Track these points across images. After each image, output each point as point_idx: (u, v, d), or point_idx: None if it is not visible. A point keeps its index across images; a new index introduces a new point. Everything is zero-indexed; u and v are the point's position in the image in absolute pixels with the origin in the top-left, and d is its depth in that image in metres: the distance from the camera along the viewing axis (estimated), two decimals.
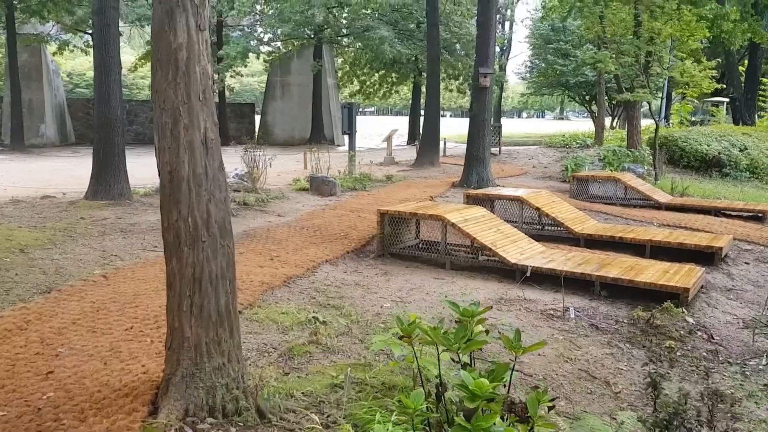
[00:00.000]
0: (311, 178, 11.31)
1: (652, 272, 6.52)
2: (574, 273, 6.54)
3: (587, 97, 33.51)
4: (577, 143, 21.59)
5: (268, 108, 30.71)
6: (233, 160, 14.44)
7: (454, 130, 42.68)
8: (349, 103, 14.19)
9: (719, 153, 16.07)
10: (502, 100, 43.04)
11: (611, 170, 14.42)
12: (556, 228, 9.06)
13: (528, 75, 36.03)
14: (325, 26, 24.26)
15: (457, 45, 26.29)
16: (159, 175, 2.99)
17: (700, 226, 10.34)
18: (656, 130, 14.04)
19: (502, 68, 34.94)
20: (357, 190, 11.73)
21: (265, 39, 25.20)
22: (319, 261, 6.89)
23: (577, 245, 8.69)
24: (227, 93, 30.85)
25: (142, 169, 13.14)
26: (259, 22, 24.58)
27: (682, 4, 12.76)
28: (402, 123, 60.87)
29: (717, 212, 11.53)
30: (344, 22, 24.25)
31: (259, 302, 5.23)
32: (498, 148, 20.59)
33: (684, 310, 6.02)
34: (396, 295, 6.08)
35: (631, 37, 15.03)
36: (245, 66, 28.37)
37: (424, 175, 14.98)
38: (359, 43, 26.50)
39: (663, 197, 12.22)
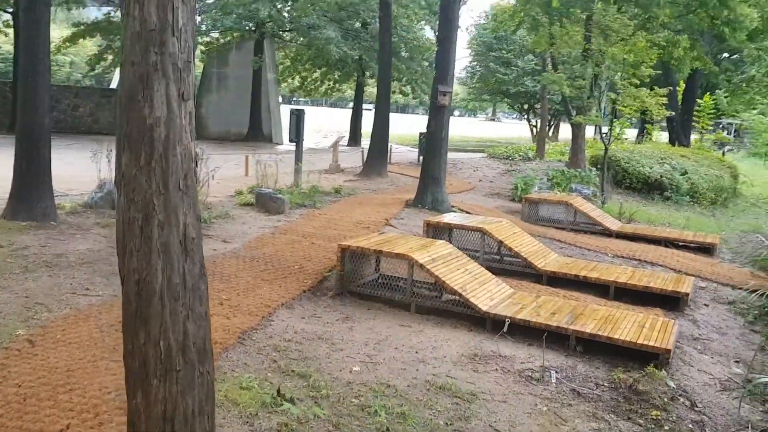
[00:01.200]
0: (258, 195, 10.59)
1: (627, 327, 6.22)
2: (549, 326, 6.16)
3: (525, 106, 33.75)
4: (520, 156, 21.54)
5: (203, 100, 29.38)
6: None
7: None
8: (297, 109, 13.48)
9: (661, 176, 16.23)
10: None
11: (559, 191, 14.29)
12: (516, 261, 8.72)
13: (468, 80, 35.99)
14: (268, 20, 23.31)
15: (403, 49, 25.85)
16: (122, 283, 2.35)
17: (654, 259, 10.25)
18: (605, 152, 13.99)
19: None
20: (306, 206, 11.08)
21: (204, 29, 23.98)
22: (274, 305, 6.26)
23: (539, 282, 8.38)
24: None
25: (64, 168, 12.09)
26: (198, 13, 23.35)
27: (636, 30, 12.69)
28: (336, 116, 60.18)
29: (667, 243, 11.51)
30: (287, 16, 23.37)
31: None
32: None
33: (664, 371, 5.74)
34: (363, 353, 5.53)
35: (582, 58, 14.95)
36: None
37: (374, 188, 14.45)
38: (302, 39, 25.65)
39: (613, 224, 12.13)
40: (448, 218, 9.24)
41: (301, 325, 6.02)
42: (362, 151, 19.52)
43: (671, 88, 14.02)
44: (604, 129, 14.48)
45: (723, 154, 23.20)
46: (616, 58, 12.13)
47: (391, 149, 19.44)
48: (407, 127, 47.26)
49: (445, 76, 11.17)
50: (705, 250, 11.39)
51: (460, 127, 52.22)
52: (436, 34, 11.33)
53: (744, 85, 16.02)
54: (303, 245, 8.42)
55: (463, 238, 9.28)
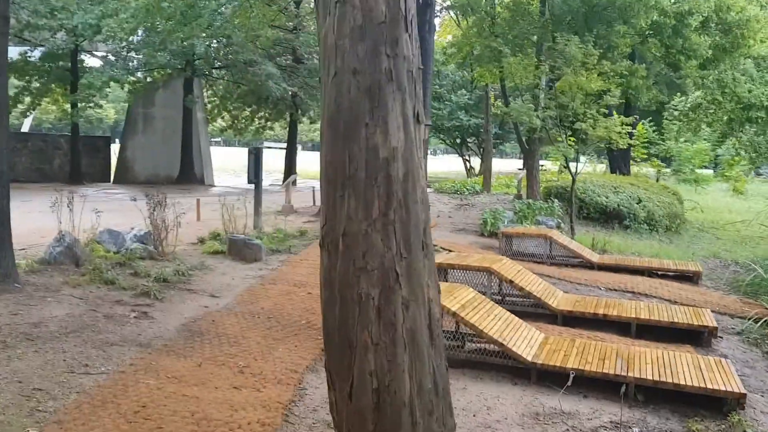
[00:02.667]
0: (231, 242, 9.65)
1: (686, 370, 5.75)
2: (606, 374, 5.61)
3: (458, 141, 33.93)
4: (468, 190, 21.35)
5: (128, 143, 27.87)
6: (108, 208, 12.34)
7: (311, 165, 41.64)
8: (255, 147, 12.63)
9: (618, 205, 16.29)
10: None
11: (527, 224, 14.01)
12: (525, 301, 8.20)
13: None
14: (199, 57, 22.34)
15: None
16: (331, 384, 1.58)
17: (646, 290, 10.00)
18: (573, 183, 13.86)
19: None
20: (282, 252, 10.21)
21: (133, 67, 22.70)
22: (298, 369, 5.43)
23: (554, 322, 7.88)
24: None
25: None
26: (127, 49, 22.09)
27: (599, 59, 12.70)
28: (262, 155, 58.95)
29: (650, 273, 11.34)
30: (221, 54, 22.45)
31: None
32: None
33: (740, 417, 5.29)
34: None
35: (538, 88, 14.90)
36: (106, 96, 25.58)
37: None
38: (235, 76, 24.76)
39: (592, 256, 11.88)
40: (448, 258, 8.64)
41: None
42: (313, 190, 18.77)
43: (636, 117, 14.12)
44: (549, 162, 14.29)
45: (657, 180, 23.87)
46: (583, 88, 12.03)
47: (314, 191, 18.80)
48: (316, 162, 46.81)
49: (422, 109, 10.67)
50: (687, 278, 11.28)
51: None
52: None
53: (691, 113, 16.47)
54: (300, 296, 7.59)
55: (465, 278, 8.71)
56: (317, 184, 20.53)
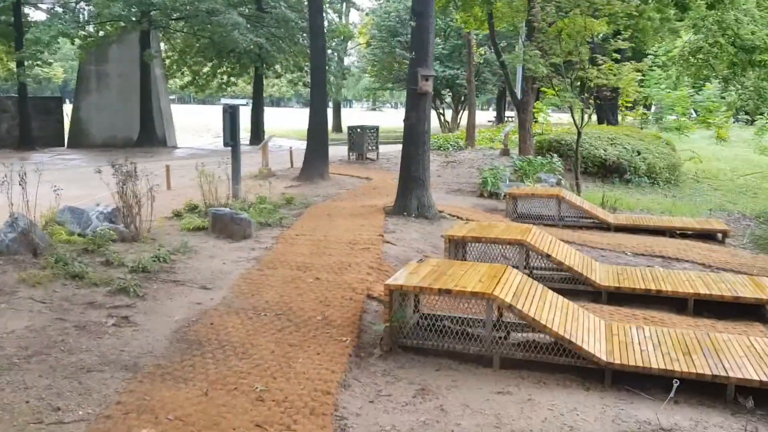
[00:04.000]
0: (214, 217, 8.36)
1: None
2: (703, 375, 4.62)
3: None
4: (451, 145, 20.20)
5: (81, 103, 25.88)
6: (65, 177, 10.85)
7: (276, 122, 39.87)
8: (231, 105, 11.22)
9: (618, 158, 15.37)
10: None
11: (529, 182, 12.98)
12: (561, 275, 7.18)
13: (370, 68, 34.35)
14: (157, 7, 20.43)
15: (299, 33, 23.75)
16: None
17: (675, 254, 9.13)
18: (578, 136, 12.82)
19: (341, 58, 32.97)
20: (272, 226, 8.97)
21: (83, 20, 20.70)
22: (330, 388, 4.31)
23: (597, 300, 6.90)
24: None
25: None
26: (75, 1, 20.07)
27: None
28: (210, 112, 56.35)
29: (672, 233, 10.45)
30: (179, 3, 20.56)
31: None
32: (376, 152, 18.56)
33: None
34: None
35: (535, 30, 13.69)
36: (55, 53, 23.49)
37: (326, 194, 12.46)
38: (196, 28, 22.91)
39: (607, 216, 10.92)
40: (471, 230, 7.52)
41: (383, 418, 4.12)
42: (290, 151, 17.40)
43: (647, 63, 13.04)
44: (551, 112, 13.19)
45: (641, 129, 23.05)
46: (592, 30, 10.88)
47: (291, 152, 17.39)
48: (286, 120, 45.03)
49: (424, 58, 9.40)
50: (710, 237, 10.43)
51: (347, 116, 50.50)
52: (412, 7, 9.48)
53: (691, 57, 15.51)
54: (307, 283, 6.42)
55: (489, 252, 7.64)
56: (294, 143, 19.09)
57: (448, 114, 34.31)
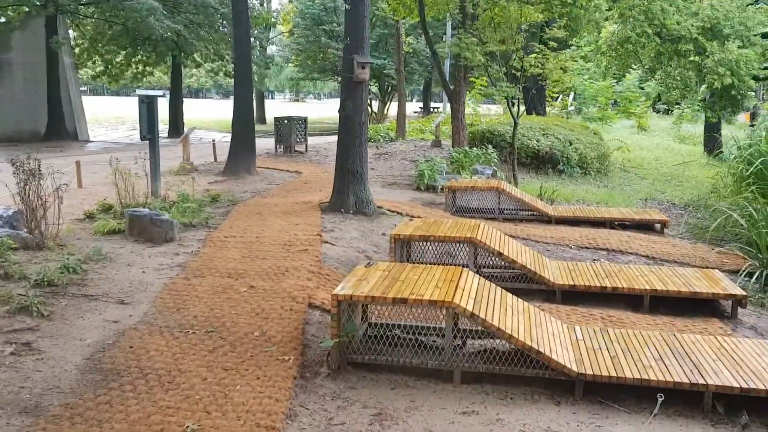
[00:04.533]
0: (132, 218, 7.52)
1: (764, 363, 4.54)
2: (681, 385, 4.28)
3: None
4: (381, 137, 19.71)
5: None
6: None
7: (195, 113, 38.28)
8: (148, 96, 10.29)
9: (551, 149, 15.25)
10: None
11: (466, 175, 12.63)
12: (507, 272, 6.80)
13: (294, 57, 33.37)
14: None
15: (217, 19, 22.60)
16: None
17: (620, 246, 8.94)
18: (514, 127, 12.54)
19: (263, 47, 31.83)
20: (197, 227, 8.19)
21: None
22: (272, 422, 3.71)
23: (551, 299, 6.54)
24: None
25: None
26: None
27: None
28: (124, 103, 53.77)
29: (612, 224, 10.31)
30: None
31: None
32: (304, 145, 17.83)
33: None
34: None
35: (467, 18, 13.35)
36: None
37: (254, 190, 11.70)
38: (108, 13, 21.46)
39: (547, 208, 10.68)
40: (418, 227, 7.02)
41: None
42: (213, 144, 16.46)
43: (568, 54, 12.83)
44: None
45: (566, 119, 23.24)
46: (527, 18, 10.58)
47: (214, 145, 16.46)
48: (206, 112, 43.47)
49: (360, 44, 8.80)
50: (648, 228, 10.35)
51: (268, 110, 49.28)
52: None
53: (619, 47, 15.55)
54: (241, 293, 5.75)
55: (437, 250, 7.18)
56: (216, 136, 18.05)
57: (375, 105, 33.80)
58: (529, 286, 6.60)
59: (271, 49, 37.45)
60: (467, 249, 6.81)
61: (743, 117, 27.63)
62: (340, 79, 32.73)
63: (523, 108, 14.52)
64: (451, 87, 15.52)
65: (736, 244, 9.38)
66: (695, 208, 13.34)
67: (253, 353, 4.61)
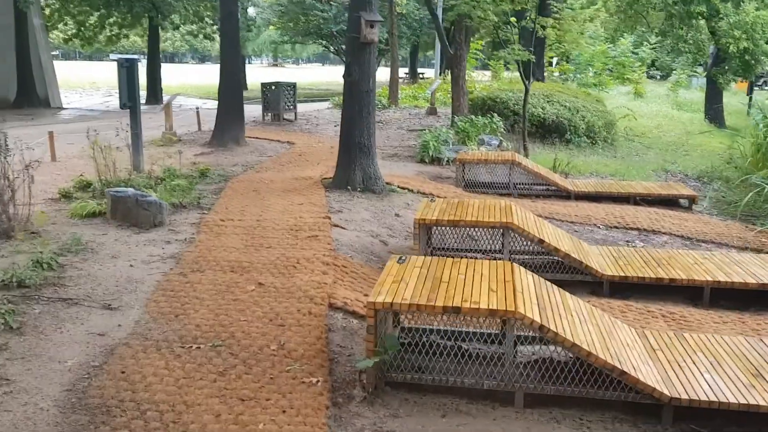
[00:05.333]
0: (114, 200, 6.57)
1: None
2: None
3: (343, 47, 30.67)
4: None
5: None
6: None
7: (172, 79, 36.62)
8: (128, 58, 9.26)
9: (557, 117, 14.41)
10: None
11: (473, 146, 11.78)
12: (545, 259, 6.01)
13: (276, 19, 31.92)
14: None
15: None
16: None
17: (649, 225, 8.22)
18: (525, 94, 11.67)
19: (245, 8, 30.40)
20: (189, 207, 7.27)
21: None
22: None
23: (597, 292, 5.77)
24: None
25: None
26: None
27: None
28: (98, 68, 51.60)
29: (637, 200, 9.55)
30: None
31: None
32: (294, 113, 16.80)
33: None
34: None
35: None
36: None
37: (246, 162, 10.75)
38: None
39: (565, 182, 9.90)
40: (443, 209, 6.16)
41: None
42: (196, 112, 15.38)
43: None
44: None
45: (563, 85, 22.38)
46: None
47: (198, 113, 15.30)
48: (183, 77, 41.78)
49: (368, 0, 7.83)
50: (673, 203, 9.62)
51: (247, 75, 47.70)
52: None
53: (628, 8, 14.71)
54: (248, 292, 4.89)
55: (463, 233, 6.36)
56: (197, 102, 16.86)
57: None
58: (572, 277, 5.81)
59: (251, 11, 35.88)
60: (499, 234, 5.99)
61: (734, 85, 26.94)
62: (324, 42, 31.49)
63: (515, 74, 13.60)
64: (451, 51, 14.54)
65: None
66: (710, 179, 12.65)
67: (273, 374, 3.77)
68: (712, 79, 21.53)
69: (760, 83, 21.27)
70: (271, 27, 37.83)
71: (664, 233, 8.09)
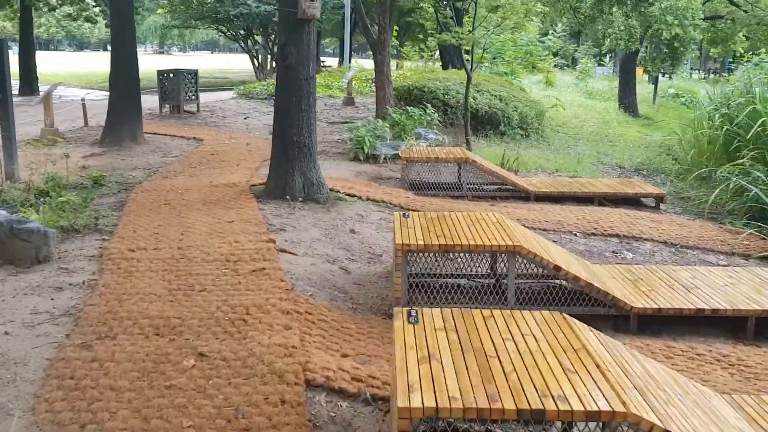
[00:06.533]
0: None
1: None
2: None
3: (242, 33, 28.60)
4: None
5: None
6: None
7: (49, 67, 32.98)
8: None
9: (490, 108, 13.43)
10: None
11: (409, 140, 10.54)
12: (550, 284, 4.86)
13: (167, 2, 29.30)
14: None
15: None
16: None
17: (628, 231, 7.29)
18: (467, 83, 10.55)
19: None
20: (84, 232, 5.54)
21: None
22: None
23: (623, 328, 4.67)
24: None
25: None
26: None
27: None
28: None
29: (601, 200, 8.64)
30: None
31: None
32: (196, 104, 14.92)
33: None
34: None
35: None
36: None
37: (147, 165, 8.97)
38: None
39: (525, 182, 8.85)
40: (428, 230, 4.82)
41: None
42: (82, 104, 13.20)
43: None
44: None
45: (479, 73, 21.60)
46: None
47: (84, 105, 13.16)
48: (61, 65, 37.99)
49: None
50: (637, 203, 8.81)
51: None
52: None
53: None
54: (186, 372, 3.36)
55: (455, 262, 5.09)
56: (80, 93, 14.52)
57: (260, 58, 30.58)
58: (592, 311, 4.67)
59: None
60: (499, 259, 4.76)
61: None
62: (222, 27, 29.24)
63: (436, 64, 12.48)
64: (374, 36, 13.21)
65: (741, 220, 8.06)
66: (649, 173, 12.10)
67: None
68: (625, 68, 21.49)
69: (669, 72, 21.28)
70: (159, 10, 35.01)
71: (645, 239, 7.19)
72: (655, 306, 4.61)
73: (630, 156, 13.64)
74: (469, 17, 10.28)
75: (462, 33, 9.83)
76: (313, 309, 4.31)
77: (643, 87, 25.49)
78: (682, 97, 25.82)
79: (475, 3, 10.00)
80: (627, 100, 20.64)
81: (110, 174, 8.15)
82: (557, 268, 4.54)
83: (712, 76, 38.80)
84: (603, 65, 28.78)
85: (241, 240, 5.35)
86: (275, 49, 29.87)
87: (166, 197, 6.89)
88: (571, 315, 4.34)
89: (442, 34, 10.50)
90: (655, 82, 24.34)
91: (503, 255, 4.75)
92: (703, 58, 34.01)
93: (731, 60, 33.60)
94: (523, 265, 4.86)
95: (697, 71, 36.36)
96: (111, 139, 10.30)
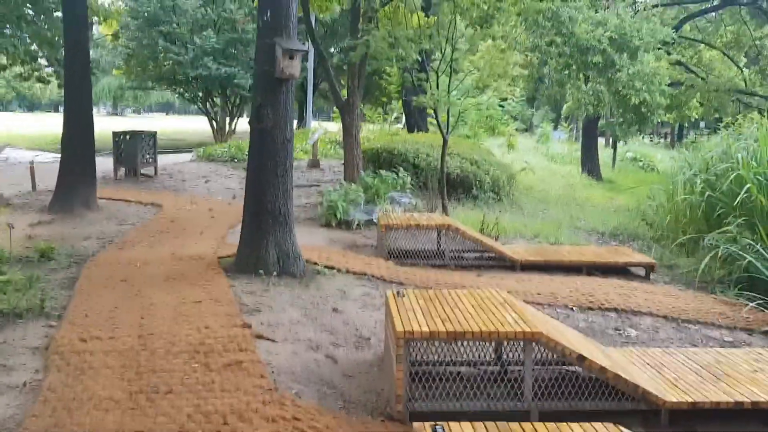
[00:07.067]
0: None
1: None
2: None
3: (200, 94, 28.11)
4: (246, 156, 16.52)
5: None
6: None
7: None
8: None
9: (462, 171, 13.09)
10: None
11: (382, 204, 10.03)
12: (568, 369, 4.29)
13: (122, 63, 28.74)
14: None
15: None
16: None
17: (624, 303, 6.84)
18: (444, 145, 10.18)
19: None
20: (25, 318, 4.73)
21: None
22: None
23: (650, 423, 4.10)
24: None
25: None
26: None
27: None
28: None
29: (590, 269, 8.20)
30: None
31: None
32: (154, 167, 14.20)
33: None
34: None
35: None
36: None
37: (102, 234, 8.20)
38: None
39: (509, 251, 8.37)
40: (429, 313, 4.22)
41: None
42: (30, 167, 12.35)
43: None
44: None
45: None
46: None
47: (32, 168, 12.29)
48: (8, 126, 36.80)
49: (284, 23, 5.82)
50: (622, 271, 8.40)
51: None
52: None
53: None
54: None
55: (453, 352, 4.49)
56: (28, 155, 13.63)
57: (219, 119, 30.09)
58: (619, 406, 4.09)
59: (93, 54, 32.32)
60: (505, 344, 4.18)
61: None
62: (180, 89, 28.73)
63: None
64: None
65: (732, 290, 7.70)
66: (626, 238, 11.80)
67: None
68: (588, 132, 21.68)
69: (624, 138, 21.54)
70: (115, 71, 34.44)
71: (644, 313, 6.73)
72: (690, 400, 4.06)
73: (603, 221, 13.37)
74: (440, 79, 9.98)
75: (439, 95, 9.49)
76: (302, 413, 3.63)
77: (601, 151, 25.84)
78: (640, 161, 26.26)
79: (452, 68, 9.72)
80: (590, 164, 20.73)
81: (60, 245, 7.36)
82: (581, 358, 3.98)
83: (662, 140, 39.97)
84: (562, 130, 29.22)
85: (212, 325, 4.65)
86: (234, 111, 29.57)
87: (122, 272, 6.14)
88: (596, 412, 3.80)
89: (419, 97, 10.14)
90: (614, 146, 24.67)
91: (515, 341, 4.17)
92: (657, 124, 34.96)
93: (684, 126, 34.60)
94: (538, 353, 4.29)
95: (650, 136, 37.31)
96: (61, 205, 9.50)
